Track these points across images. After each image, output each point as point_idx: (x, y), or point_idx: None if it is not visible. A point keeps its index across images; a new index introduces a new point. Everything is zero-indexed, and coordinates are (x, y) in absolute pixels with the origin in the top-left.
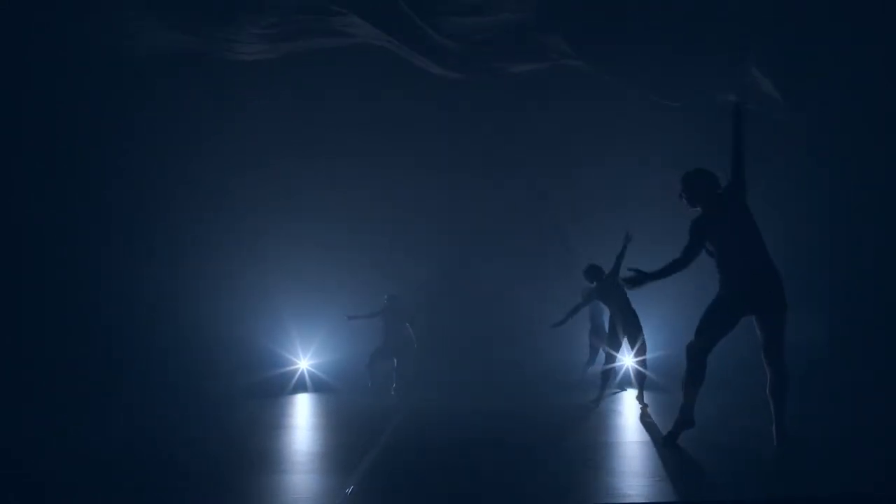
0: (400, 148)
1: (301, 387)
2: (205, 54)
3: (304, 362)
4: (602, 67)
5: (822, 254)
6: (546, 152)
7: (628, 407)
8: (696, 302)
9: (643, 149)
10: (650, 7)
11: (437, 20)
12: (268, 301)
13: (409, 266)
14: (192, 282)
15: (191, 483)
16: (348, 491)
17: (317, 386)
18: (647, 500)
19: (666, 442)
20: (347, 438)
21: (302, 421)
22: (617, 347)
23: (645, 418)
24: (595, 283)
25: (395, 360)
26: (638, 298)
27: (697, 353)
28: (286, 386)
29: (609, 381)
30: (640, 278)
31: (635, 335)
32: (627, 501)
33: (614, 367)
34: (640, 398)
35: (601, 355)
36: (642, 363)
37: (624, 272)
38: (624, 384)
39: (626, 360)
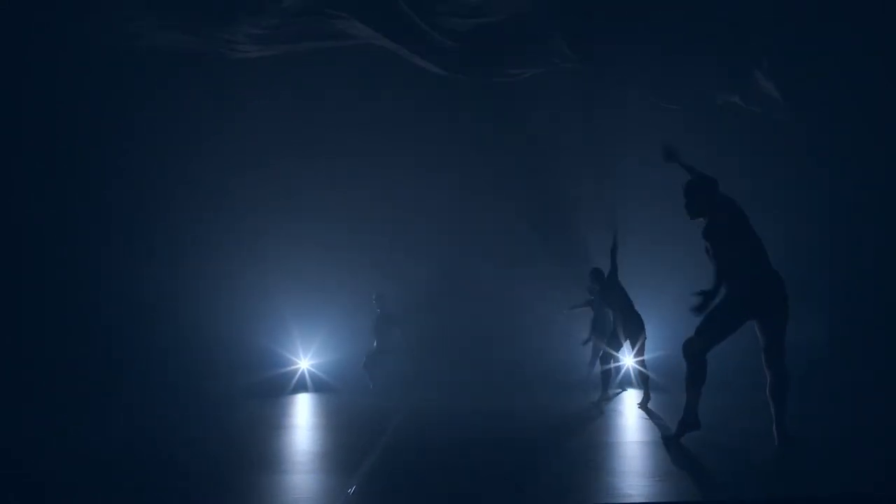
0: (400, 148)
1: (301, 387)
2: (205, 54)
3: (304, 362)
4: (603, 70)
5: (821, 253)
6: (546, 152)
7: (629, 407)
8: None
9: (643, 148)
10: (651, 9)
11: (438, 20)
12: (268, 301)
13: (409, 266)
14: (193, 281)
15: (191, 483)
16: (350, 491)
17: (317, 386)
18: (647, 500)
19: (668, 442)
20: (348, 438)
21: (302, 421)
22: (617, 348)
23: (644, 412)
24: (598, 287)
25: (387, 362)
26: (638, 299)
27: (697, 354)
28: (286, 386)
29: (609, 382)
30: (706, 301)
31: (636, 335)
32: (628, 501)
33: (613, 368)
34: (643, 404)
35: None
36: (642, 363)
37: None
38: (624, 384)
39: (627, 360)
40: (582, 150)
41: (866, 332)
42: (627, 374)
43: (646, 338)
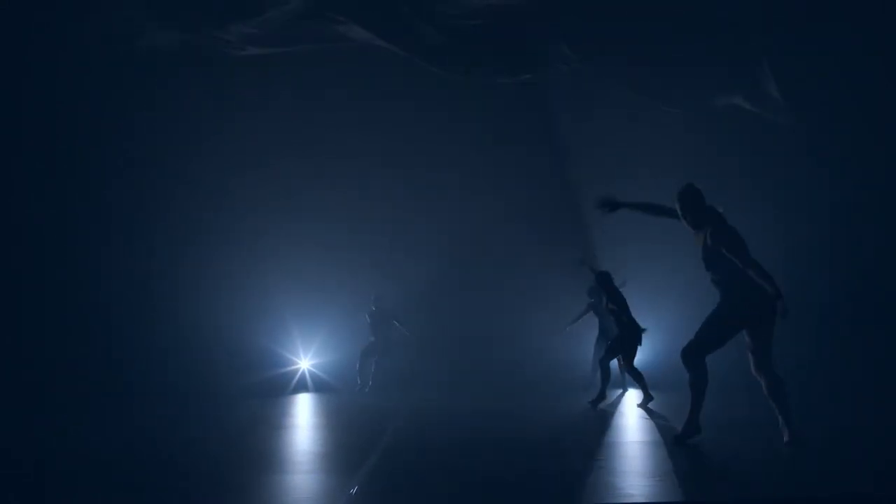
0: (400, 148)
1: (302, 387)
2: (205, 54)
3: (304, 362)
4: (605, 74)
5: (821, 253)
6: (547, 153)
7: (629, 407)
8: (696, 302)
9: (643, 148)
10: (651, 10)
11: (439, 22)
12: (268, 301)
13: (410, 266)
14: (193, 281)
15: (191, 483)
16: (353, 491)
17: (317, 386)
18: (647, 500)
19: (676, 442)
20: (349, 438)
21: (303, 421)
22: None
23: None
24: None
25: (378, 361)
26: (638, 299)
27: (696, 360)
28: (287, 386)
29: (606, 382)
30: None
31: (629, 342)
32: (628, 501)
33: (611, 369)
34: (643, 404)
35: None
36: (629, 366)
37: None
38: (627, 385)
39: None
40: (582, 151)
41: (866, 333)
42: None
43: (640, 344)
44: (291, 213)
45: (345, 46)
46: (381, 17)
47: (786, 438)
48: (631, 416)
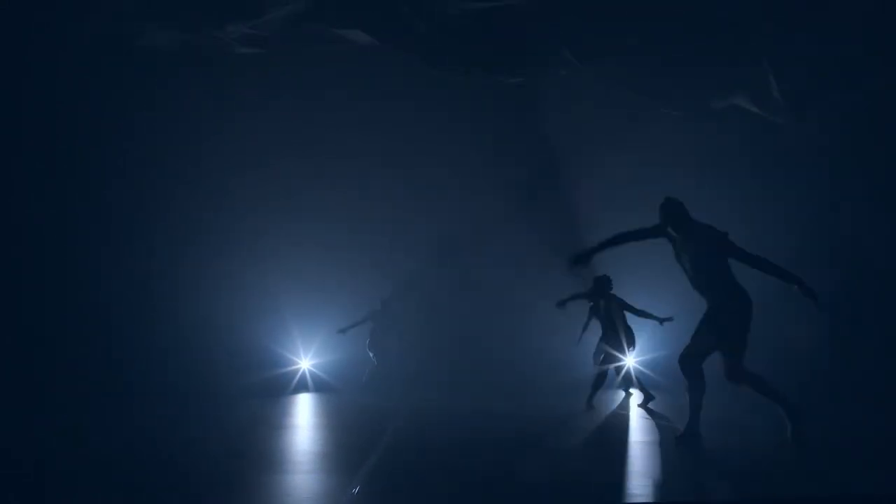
0: (400, 148)
1: (302, 387)
2: (205, 54)
3: (305, 362)
4: (605, 75)
5: (822, 255)
6: (547, 154)
7: (630, 407)
8: (695, 303)
9: (643, 150)
10: (651, 13)
11: (441, 25)
12: (269, 301)
13: (410, 266)
14: (193, 282)
15: (192, 483)
16: (355, 491)
17: (318, 386)
18: (647, 500)
19: (678, 443)
20: (349, 439)
21: (304, 421)
22: (619, 350)
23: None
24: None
25: (376, 361)
26: (638, 300)
27: (692, 366)
28: (287, 386)
29: (602, 383)
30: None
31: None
32: (628, 501)
33: (610, 370)
34: (644, 404)
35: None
36: (618, 369)
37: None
38: (629, 385)
39: (629, 360)
40: (581, 151)
41: (868, 333)
42: (628, 375)
43: (633, 347)
44: (291, 213)
45: (345, 48)
46: (381, 18)
47: (789, 435)
48: (631, 416)
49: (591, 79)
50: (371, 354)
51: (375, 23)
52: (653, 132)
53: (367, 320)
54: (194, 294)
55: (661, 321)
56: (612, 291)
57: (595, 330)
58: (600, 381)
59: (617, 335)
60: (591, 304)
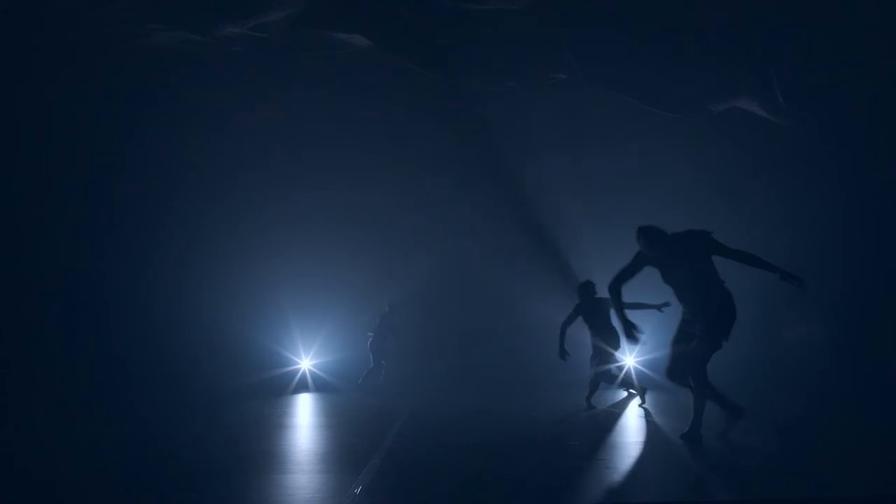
0: (401, 149)
1: (303, 387)
2: (204, 54)
3: (305, 362)
4: (608, 82)
5: (825, 256)
6: (548, 155)
7: (629, 407)
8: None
9: (643, 151)
10: (652, 15)
11: (442, 31)
12: (270, 301)
13: (411, 267)
14: (194, 281)
15: (194, 482)
16: (357, 490)
17: (318, 386)
18: (647, 500)
19: (685, 441)
20: (350, 438)
21: (304, 420)
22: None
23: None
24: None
25: (373, 360)
26: (639, 295)
27: (681, 377)
28: (288, 386)
29: (598, 383)
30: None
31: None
32: (628, 501)
33: (607, 369)
34: (640, 403)
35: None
36: (607, 371)
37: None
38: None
39: (629, 360)
40: (584, 151)
41: (868, 334)
42: (629, 375)
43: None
44: (293, 213)
45: (344, 53)
46: (379, 23)
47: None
48: (630, 416)
49: (590, 82)
50: (371, 354)
51: (374, 27)
52: (652, 134)
53: (382, 323)
54: (195, 294)
55: (660, 308)
56: (598, 295)
57: (585, 330)
58: (598, 380)
59: (611, 335)
60: (581, 312)
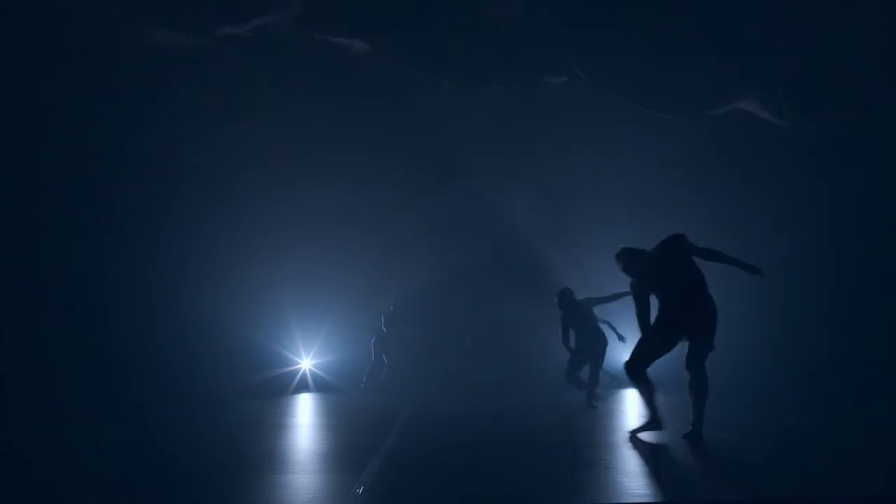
0: (403, 150)
1: (303, 387)
2: (204, 55)
3: (306, 362)
4: (609, 85)
5: (826, 257)
6: (547, 156)
7: (630, 407)
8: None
9: (643, 151)
10: (652, 18)
11: (440, 35)
12: (270, 301)
13: (411, 267)
14: (194, 281)
15: (194, 482)
16: (359, 490)
17: (319, 386)
18: (648, 500)
19: (689, 441)
20: (351, 438)
21: (305, 420)
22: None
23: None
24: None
25: (374, 360)
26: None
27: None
28: (288, 386)
29: (597, 382)
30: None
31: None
32: (629, 501)
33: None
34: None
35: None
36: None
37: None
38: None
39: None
40: (582, 152)
41: (869, 334)
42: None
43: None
44: (293, 213)
45: (343, 57)
46: (379, 27)
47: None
48: (631, 416)
49: (590, 85)
50: (373, 353)
51: (373, 28)
52: (653, 136)
53: (386, 322)
54: (195, 294)
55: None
56: (578, 300)
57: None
58: (595, 380)
59: (596, 338)
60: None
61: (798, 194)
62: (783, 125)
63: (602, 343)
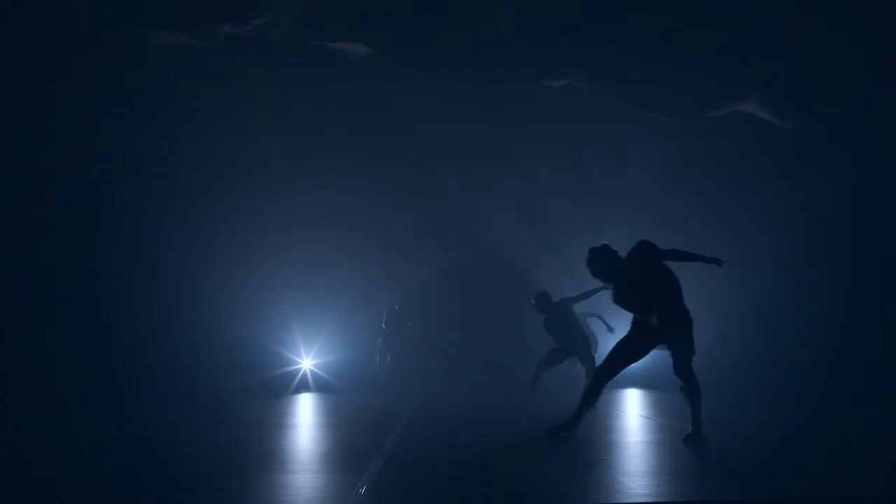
0: (404, 150)
1: (304, 386)
2: (203, 55)
3: (306, 362)
4: (610, 88)
5: (825, 257)
6: (546, 156)
7: (631, 407)
8: (693, 305)
9: (640, 152)
10: (652, 21)
11: (440, 37)
12: (270, 301)
13: (411, 267)
14: (195, 281)
15: (195, 482)
16: (361, 490)
17: (319, 386)
18: (648, 500)
19: (691, 443)
20: (354, 439)
21: (306, 420)
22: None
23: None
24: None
25: (378, 359)
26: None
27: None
28: (289, 386)
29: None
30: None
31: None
32: (630, 501)
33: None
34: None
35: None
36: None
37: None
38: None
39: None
40: (582, 151)
41: (869, 335)
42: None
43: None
44: (293, 213)
45: (345, 60)
46: (379, 30)
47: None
48: (632, 415)
49: (591, 88)
50: (378, 352)
51: (373, 31)
52: (653, 136)
53: (391, 322)
54: (195, 294)
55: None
56: (554, 301)
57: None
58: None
59: (577, 340)
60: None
61: (798, 194)
62: (783, 126)
63: (583, 343)
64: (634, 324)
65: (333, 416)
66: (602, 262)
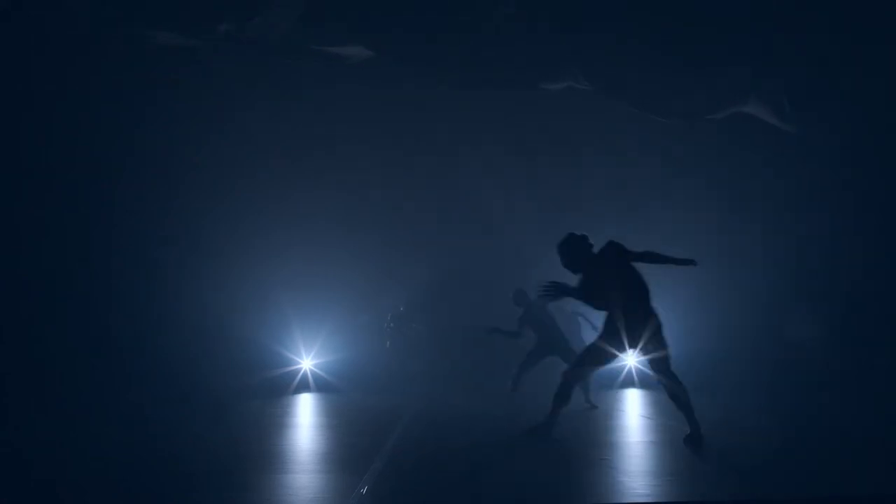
0: (404, 150)
1: (304, 386)
2: (203, 56)
3: (307, 362)
4: (611, 90)
5: (827, 259)
6: (546, 156)
7: (631, 407)
8: (694, 305)
9: (644, 159)
10: (652, 23)
11: (440, 38)
12: (270, 301)
13: (411, 267)
14: (195, 281)
15: (196, 482)
16: (363, 490)
17: (319, 386)
18: (649, 500)
19: (692, 444)
20: (354, 439)
21: (306, 420)
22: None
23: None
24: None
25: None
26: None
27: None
28: (289, 386)
29: (590, 381)
30: None
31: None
32: (630, 501)
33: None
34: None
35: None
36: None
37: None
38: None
39: (630, 359)
40: (582, 152)
41: (869, 335)
42: (630, 374)
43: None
44: (293, 213)
45: (344, 63)
46: (379, 33)
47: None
48: (632, 415)
49: (592, 90)
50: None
51: (373, 32)
52: (654, 136)
53: (396, 324)
54: (195, 294)
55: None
56: (531, 299)
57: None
58: (588, 379)
59: (555, 336)
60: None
61: (800, 196)
62: (786, 128)
63: (563, 342)
64: (605, 328)
65: (333, 416)
66: (575, 251)
